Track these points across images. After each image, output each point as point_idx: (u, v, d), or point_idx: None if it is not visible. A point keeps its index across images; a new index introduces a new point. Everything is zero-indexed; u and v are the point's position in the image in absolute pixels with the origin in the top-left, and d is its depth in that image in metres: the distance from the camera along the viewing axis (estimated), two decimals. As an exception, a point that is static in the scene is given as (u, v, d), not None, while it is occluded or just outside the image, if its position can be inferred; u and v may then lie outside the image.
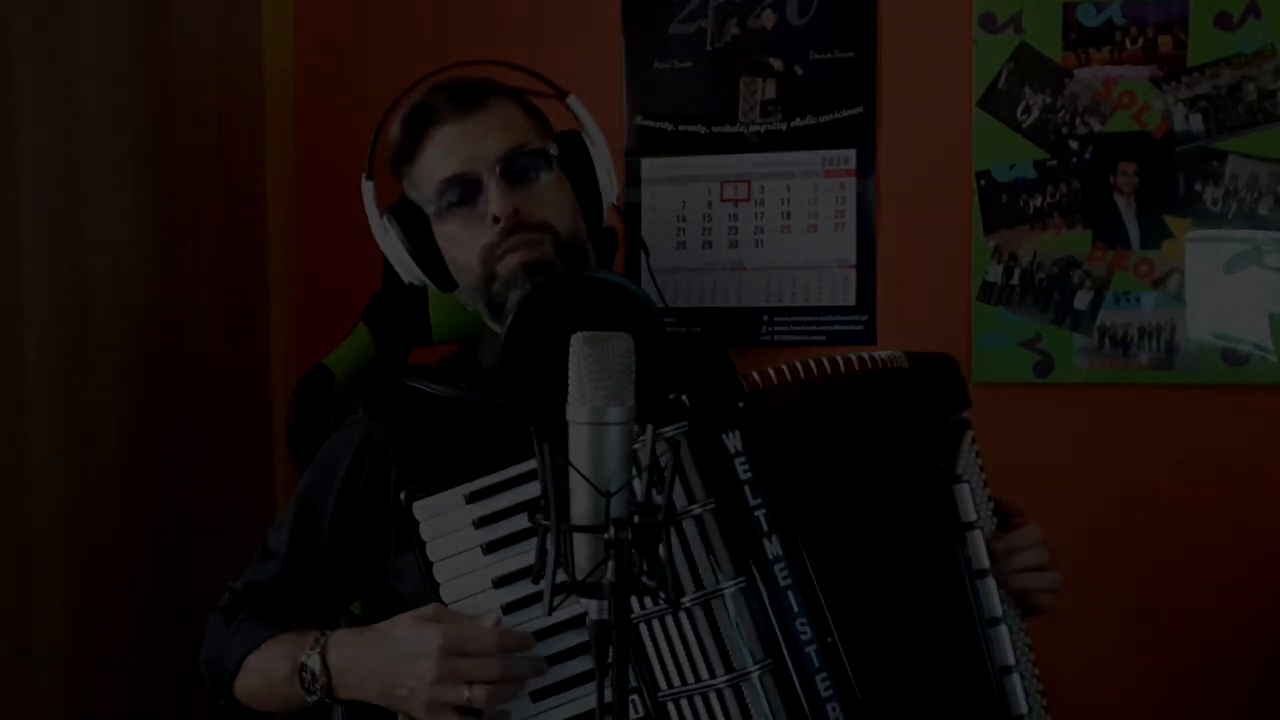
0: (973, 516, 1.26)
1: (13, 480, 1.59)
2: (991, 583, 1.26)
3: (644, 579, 0.96)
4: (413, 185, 1.43)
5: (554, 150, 1.39)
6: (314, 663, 1.26)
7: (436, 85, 1.40)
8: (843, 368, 1.25)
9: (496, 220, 1.34)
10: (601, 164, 1.43)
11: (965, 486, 1.27)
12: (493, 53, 1.45)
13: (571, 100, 1.44)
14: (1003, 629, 1.25)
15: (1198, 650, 1.89)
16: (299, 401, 1.63)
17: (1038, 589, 1.32)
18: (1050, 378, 1.93)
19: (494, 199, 1.34)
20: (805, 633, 1.17)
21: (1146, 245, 1.90)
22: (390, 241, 1.43)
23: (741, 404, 1.21)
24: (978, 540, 1.26)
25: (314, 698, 1.27)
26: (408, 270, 1.43)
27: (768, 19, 2.01)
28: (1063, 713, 1.33)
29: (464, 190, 1.37)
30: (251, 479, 2.07)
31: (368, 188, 1.44)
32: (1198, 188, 1.88)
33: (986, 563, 1.26)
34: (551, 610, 0.95)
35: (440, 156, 1.38)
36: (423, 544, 1.22)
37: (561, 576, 0.96)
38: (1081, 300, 1.92)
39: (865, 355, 1.27)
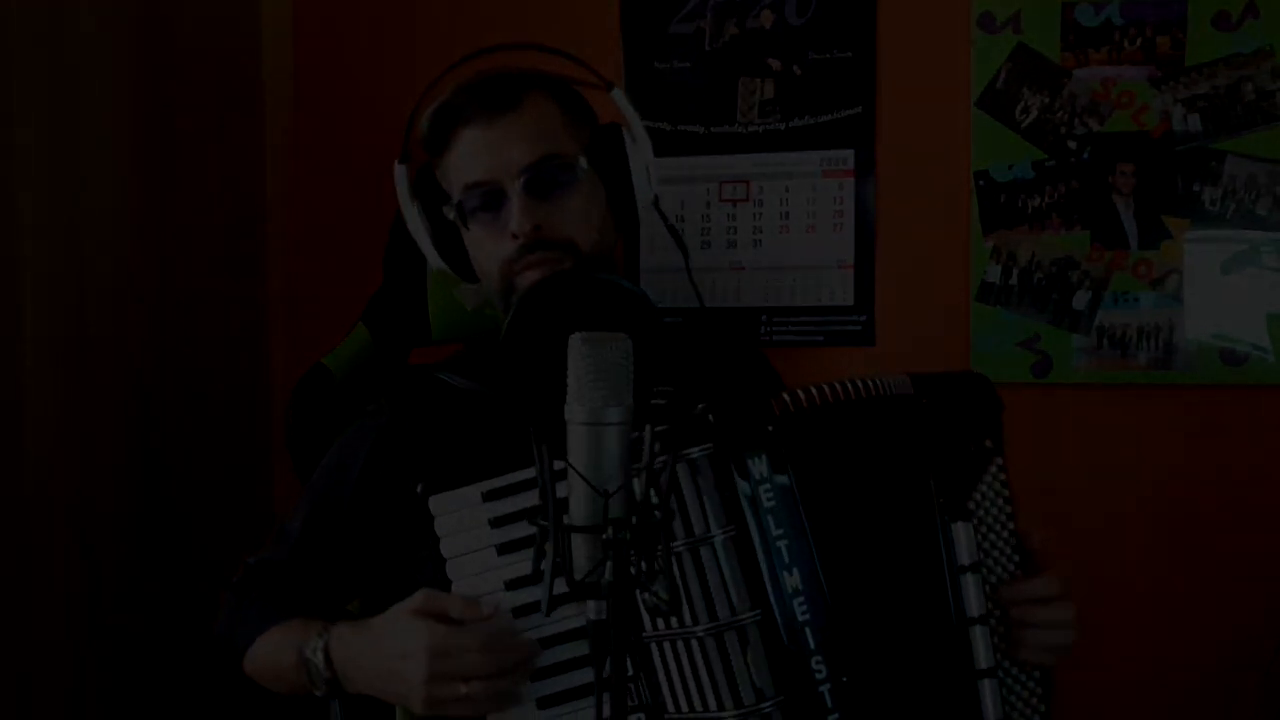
0: (967, 560, 1.19)
1: (11, 480, 1.59)
2: (980, 631, 1.19)
3: (655, 597, 0.95)
4: (443, 175, 1.40)
5: (584, 163, 1.35)
6: (318, 659, 1.26)
7: (467, 84, 1.36)
8: (874, 390, 1.19)
9: (516, 237, 1.32)
10: (640, 162, 1.37)
11: (963, 525, 1.19)
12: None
13: (616, 94, 1.38)
14: (987, 683, 1.18)
15: (1197, 650, 1.89)
16: (298, 401, 1.63)
17: (1043, 646, 1.21)
18: (1048, 378, 1.93)
19: (515, 214, 1.31)
20: (820, 671, 1.13)
21: (1145, 245, 1.90)
22: (417, 227, 1.40)
23: (771, 427, 1.15)
24: (969, 584, 1.19)
25: (320, 691, 1.27)
26: (431, 257, 1.40)
27: (766, 19, 2.01)
28: (1064, 714, 1.32)
29: (487, 198, 1.34)
30: (249, 478, 2.07)
31: (400, 171, 1.38)
32: (1196, 188, 1.88)
33: (978, 610, 1.19)
34: (549, 612, 0.95)
35: (466, 159, 1.35)
36: (436, 540, 1.20)
37: (562, 587, 0.95)
38: (1080, 300, 1.92)
39: (882, 380, 1.20)
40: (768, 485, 1.15)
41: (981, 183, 1.95)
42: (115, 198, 1.77)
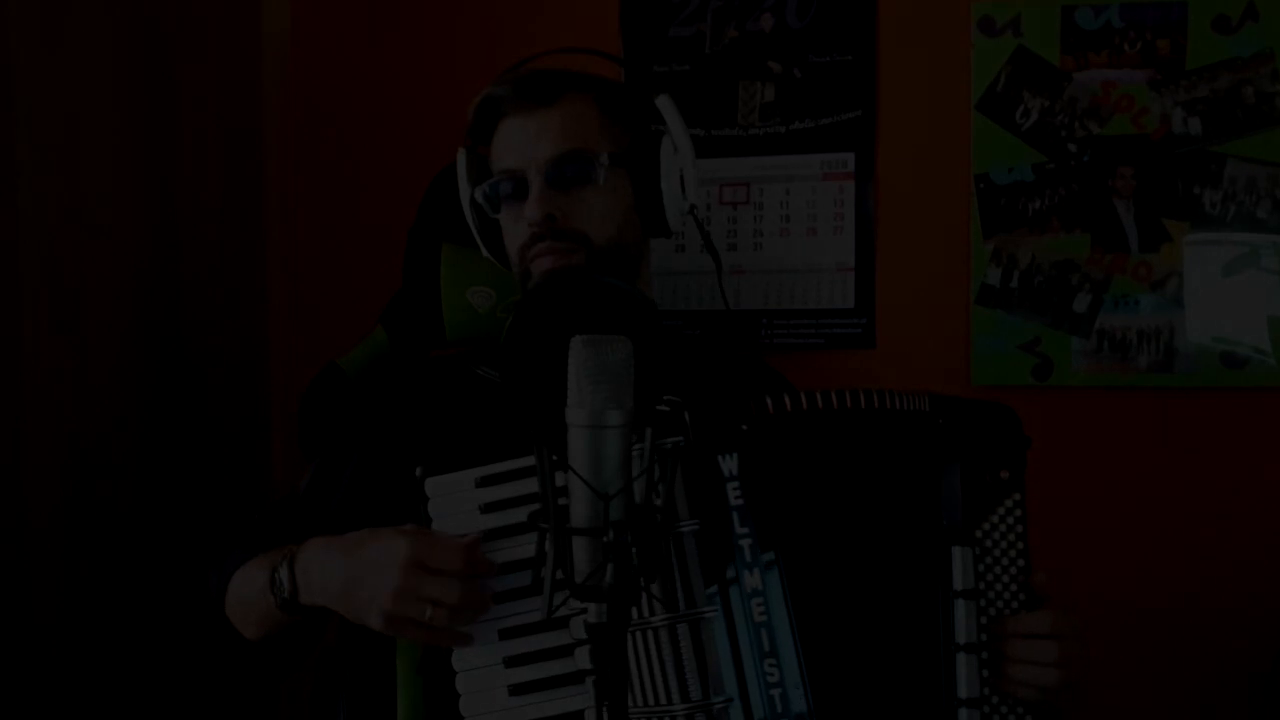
0: (960, 586, 1.18)
1: (9, 478, 1.59)
2: (965, 659, 1.17)
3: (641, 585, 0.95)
4: (491, 164, 1.46)
5: (605, 160, 1.39)
6: (283, 570, 1.26)
7: (511, 79, 1.43)
8: (885, 403, 1.18)
9: (530, 224, 1.38)
10: (674, 169, 1.41)
11: (963, 550, 1.18)
12: (488, 54, 1.46)
13: (661, 100, 1.44)
14: (964, 713, 1.17)
15: (1197, 652, 1.89)
16: (311, 401, 1.63)
17: (1024, 682, 1.19)
18: (1049, 381, 1.93)
19: (530, 203, 1.37)
20: (773, 674, 1.13)
21: (1145, 248, 1.90)
22: (469, 213, 1.47)
23: (745, 427, 1.15)
24: (961, 611, 1.17)
25: (277, 600, 1.26)
26: (480, 244, 1.47)
27: (766, 22, 2.01)
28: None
29: (514, 186, 1.40)
30: (248, 476, 2.06)
31: (462, 156, 1.46)
32: (1196, 191, 1.89)
33: (966, 638, 1.17)
34: (551, 613, 0.95)
35: (502, 148, 1.42)
36: (428, 521, 1.22)
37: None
38: (1080, 303, 1.92)
39: (898, 394, 1.20)
40: (735, 483, 1.14)
41: (982, 185, 1.95)
42: (115, 192, 1.77)
